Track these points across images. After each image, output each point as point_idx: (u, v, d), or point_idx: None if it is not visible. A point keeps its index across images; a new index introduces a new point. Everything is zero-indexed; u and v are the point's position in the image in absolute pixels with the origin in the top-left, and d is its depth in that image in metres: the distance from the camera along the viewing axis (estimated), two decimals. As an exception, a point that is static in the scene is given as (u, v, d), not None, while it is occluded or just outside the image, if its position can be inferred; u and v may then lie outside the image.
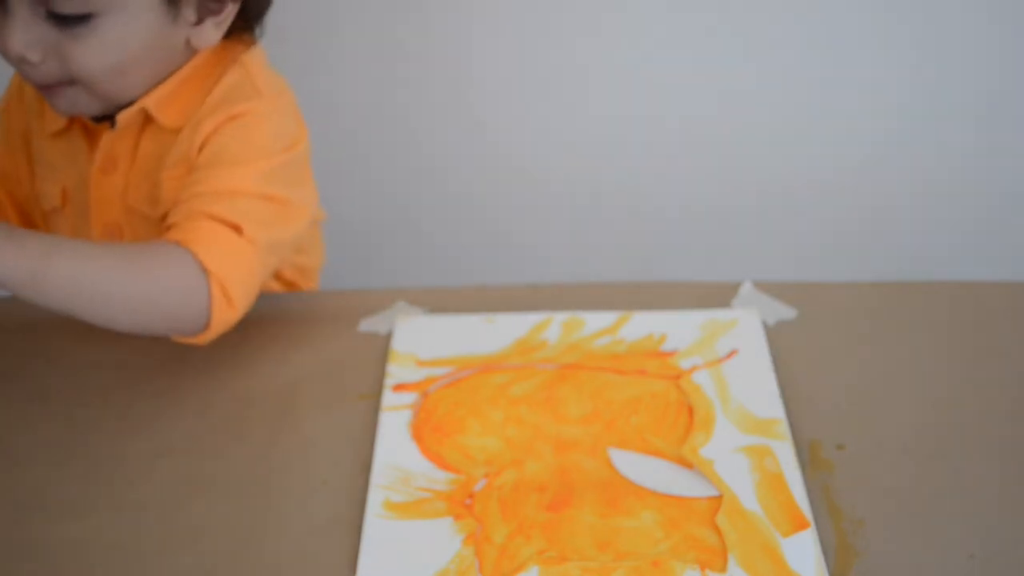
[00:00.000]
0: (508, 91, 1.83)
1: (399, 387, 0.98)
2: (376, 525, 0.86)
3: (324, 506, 0.88)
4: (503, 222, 1.91)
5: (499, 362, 1.01)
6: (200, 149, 1.05)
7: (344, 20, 1.77)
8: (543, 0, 1.78)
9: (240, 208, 1.01)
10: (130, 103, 1.06)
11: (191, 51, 1.07)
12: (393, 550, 0.84)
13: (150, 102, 1.06)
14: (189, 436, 0.95)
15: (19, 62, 1.01)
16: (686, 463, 0.91)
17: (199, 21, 1.05)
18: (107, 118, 1.08)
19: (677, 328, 1.04)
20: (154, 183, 1.08)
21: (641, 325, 1.04)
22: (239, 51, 1.09)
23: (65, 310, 0.95)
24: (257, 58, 1.10)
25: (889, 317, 1.06)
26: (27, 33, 0.99)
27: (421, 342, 1.03)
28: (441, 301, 1.08)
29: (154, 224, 1.09)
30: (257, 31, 1.11)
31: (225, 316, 0.99)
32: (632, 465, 0.91)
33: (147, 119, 1.07)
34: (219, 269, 0.98)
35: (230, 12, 1.06)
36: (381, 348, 1.03)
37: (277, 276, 1.19)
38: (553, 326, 1.04)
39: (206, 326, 0.99)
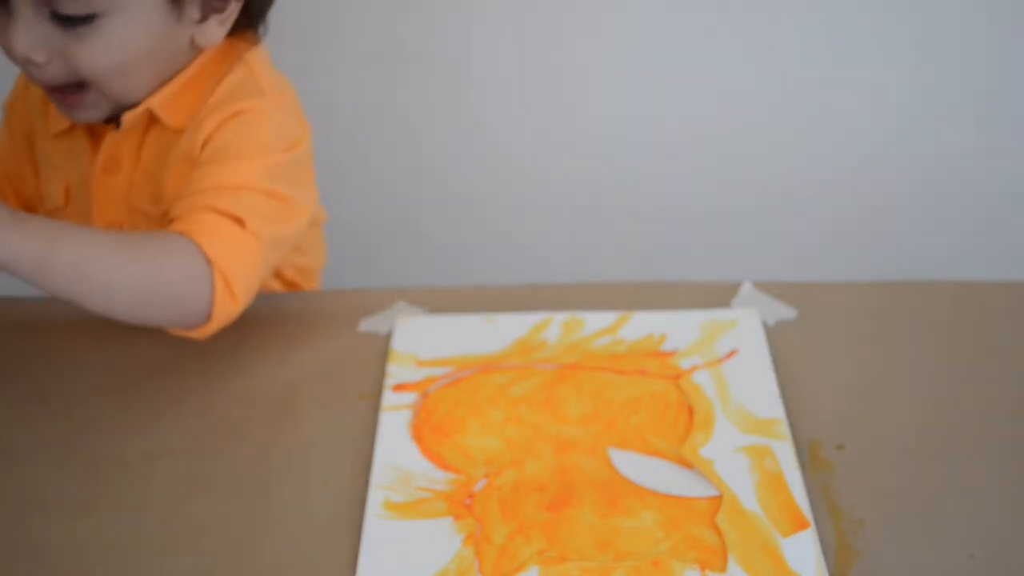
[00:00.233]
0: (508, 91, 1.83)
1: (399, 387, 0.98)
2: (376, 525, 0.86)
3: (324, 506, 0.88)
4: (503, 222, 1.91)
5: (499, 362, 1.01)
6: (203, 146, 1.05)
7: (344, 20, 1.77)
8: (543, 0, 1.78)
9: (243, 202, 1.01)
10: (135, 104, 1.06)
11: (196, 50, 1.07)
12: (393, 550, 0.84)
13: (155, 103, 1.06)
14: (189, 436, 0.95)
15: (25, 63, 1.01)
16: (686, 463, 0.91)
17: (203, 19, 1.05)
18: (111, 119, 1.08)
19: (677, 328, 1.04)
20: (157, 182, 1.08)
21: (641, 325, 1.04)
22: (243, 50, 1.09)
23: (69, 296, 0.94)
24: (261, 57, 1.10)
25: (889, 317, 1.06)
26: (31, 34, 0.99)
27: (421, 342, 1.03)
28: (441, 301, 1.08)
29: (157, 222, 1.09)
30: (260, 30, 1.11)
31: (227, 308, 0.99)
32: (632, 465, 0.91)
33: (152, 120, 1.08)
34: (222, 260, 0.98)
35: (233, 10, 1.06)
36: (381, 348, 1.03)
37: (278, 276, 1.19)
38: (553, 326, 1.04)
39: (208, 318, 0.99)
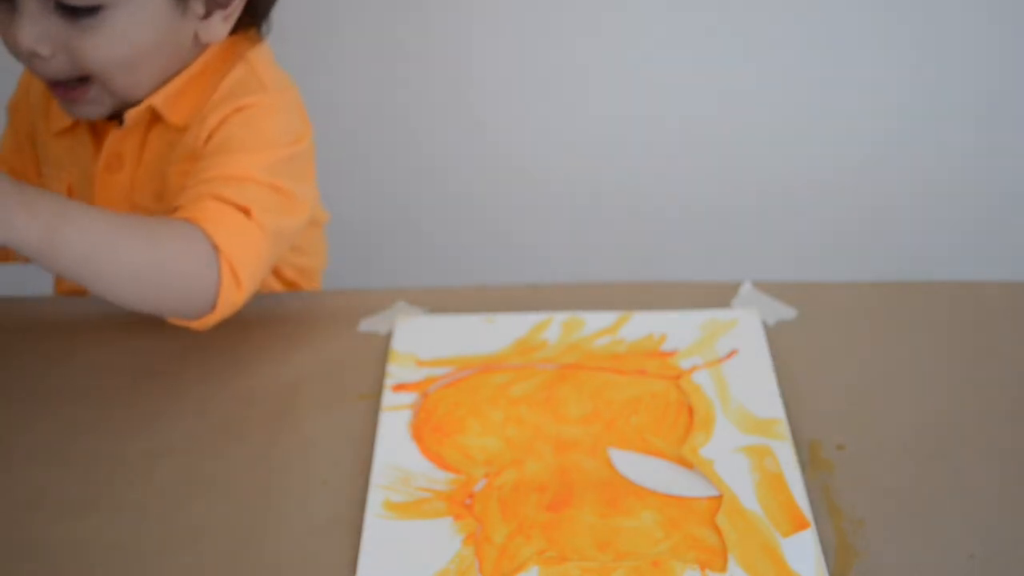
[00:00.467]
0: (508, 91, 1.83)
1: (399, 387, 0.98)
2: (376, 525, 0.86)
3: (324, 506, 0.88)
4: (503, 222, 1.91)
5: (499, 362, 1.01)
6: (206, 141, 1.05)
7: (344, 20, 1.77)
8: (543, 0, 1.78)
9: (248, 193, 1.02)
10: (139, 101, 1.06)
11: (199, 46, 1.07)
12: (393, 550, 0.84)
13: (158, 100, 1.06)
14: (189, 436, 0.95)
15: (29, 57, 1.01)
16: (686, 463, 0.91)
17: (207, 15, 1.06)
18: (114, 116, 1.09)
19: (677, 328, 1.04)
20: (160, 180, 1.08)
21: (641, 325, 1.04)
22: (245, 48, 1.09)
23: (73, 277, 0.95)
24: (263, 55, 1.11)
25: (889, 317, 1.06)
26: (36, 26, 0.99)
27: (421, 342, 1.03)
28: (441, 301, 1.08)
29: None
30: (263, 28, 1.12)
31: (232, 297, 0.99)
32: (632, 465, 0.91)
33: (155, 117, 1.08)
34: (229, 247, 0.98)
35: (237, 5, 1.06)
36: (381, 348, 1.03)
37: (278, 276, 1.19)
38: (553, 326, 1.04)
39: (212, 307, 0.99)
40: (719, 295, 1.08)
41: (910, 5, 1.78)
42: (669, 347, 1.02)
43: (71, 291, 1.14)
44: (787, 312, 1.06)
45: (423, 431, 0.94)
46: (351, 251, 1.45)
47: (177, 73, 1.07)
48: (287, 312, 1.07)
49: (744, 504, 0.86)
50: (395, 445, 0.93)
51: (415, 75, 1.82)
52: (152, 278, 0.97)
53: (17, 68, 1.14)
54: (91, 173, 1.11)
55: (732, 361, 1.00)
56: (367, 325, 1.06)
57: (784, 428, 0.93)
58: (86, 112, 1.06)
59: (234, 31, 1.08)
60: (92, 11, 0.99)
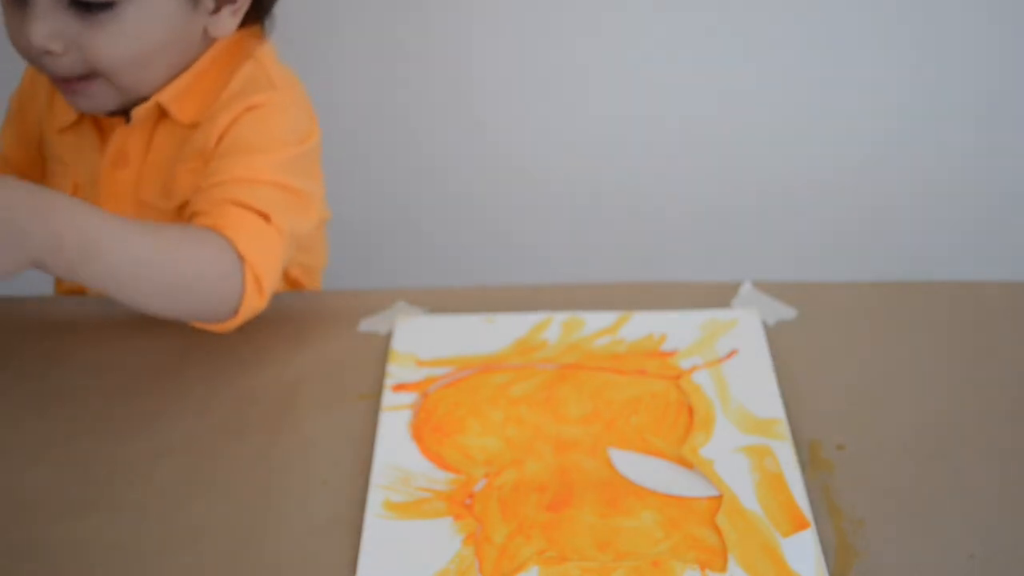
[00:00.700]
0: (508, 91, 1.83)
1: (399, 387, 0.98)
2: (376, 525, 0.86)
3: (324, 506, 0.88)
4: (503, 222, 1.91)
5: (499, 362, 1.01)
6: (218, 141, 1.06)
7: (344, 20, 1.77)
8: (543, 0, 1.78)
9: (264, 196, 1.02)
10: (146, 98, 1.07)
11: (207, 42, 1.08)
12: (393, 550, 0.84)
13: (165, 97, 1.07)
14: (189, 436, 0.95)
15: (41, 55, 1.01)
16: (686, 463, 0.91)
17: (216, 9, 1.06)
18: (120, 112, 1.09)
19: (677, 328, 1.04)
20: (168, 177, 1.08)
21: (641, 325, 1.04)
22: (252, 46, 1.10)
23: (97, 288, 0.95)
24: (269, 53, 1.11)
25: (889, 317, 1.06)
26: (48, 23, 1.00)
27: (421, 342, 1.03)
28: (441, 301, 1.08)
29: (167, 217, 1.09)
30: (267, 24, 1.12)
31: (255, 303, 1.00)
32: (632, 465, 0.91)
33: (161, 114, 1.08)
34: (253, 257, 0.99)
35: (245, 0, 1.06)
36: (381, 348, 1.03)
37: (284, 274, 1.19)
38: (553, 326, 1.04)
39: (235, 312, 1.00)
40: (719, 295, 1.08)
41: (910, 5, 1.78)
42: (669, 347, 1.02)
43: (71, 291, 1.14)
44: (787, 312, 1.06)
45: (423, 431, 0.94)
46: (351, 251, 1.45)
47: (185, 69, 1.07)
48: (287, 312, 1.07)
49: (744, 504, 0.86)
50: (395, 445, 0.93)
51: (415, 75, 1.82)
52: (179, 289, 0.98)
53: (18, 65, 1.14)
54: (97, 170, 1.11)
55: (732, 361, 1.00)
56: (367, 325, 1.06)
57: (784, 428, 0.93)
58: (92, 106, 1.07)
59: (239, 27, 1.09)
60: (105, 7, 1.00)
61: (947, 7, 1.78)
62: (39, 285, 1.19)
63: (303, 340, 1.04)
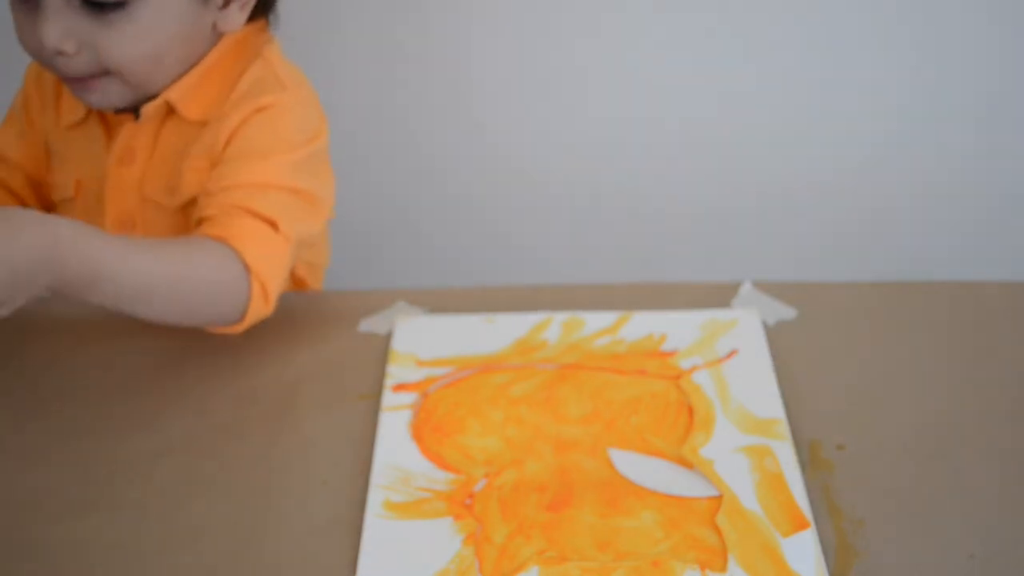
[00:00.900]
0: (508, 92, 1.83)
1: (399, 387, 0.98)
2: (376, 525, 0.86)
3: (324, 506, 0.88)
4: (503, 222, 1.91)
5: (499, 362, 1.01)
6: (227, 143, 1.06)
7: (344, 20, 1.77)
8: (543, 0, 1.78)
9: (273, 202, 1.03)
10: (155, 95, 1.07)
11: (216, 37, 1.09)
12: (393, 550, 0.84)
13: (174, 94, 1.07)
14: (189, 436, 0.95)
15: (53, 55, 1.02)
16: (686, 463, 0.91)
17: (225, 4, 1.07)
18: (127, 109, 1.09)
19: (677, 328, 1.04)
20: (173, 174, 1.09)
21: (641, 325, 1.04)
22: (259, 44, 1.11)
23: (104, 305, 0.95)
24: (276, 51, 1.12)
25: (889, 317, 1.06)
26: (60, 23, 1.00)
27: (421, 342, 1.03)
28: (441, 301, 1.08)
29: (169, 214, 1.10)
30: (272, 20, 1.13)
31: (260, 311, 1.01)
32: (632, 465, 0.91)
33: (169, 111, 1.09)
34: (261, 268, 0.99)
35: None
36: (381, 348, 1.03)
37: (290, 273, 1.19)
38: (553, 326, 1.04)
39: (240, 319, 1.00)
40: (719, 295, 1.08)
41: (910, 5, 1.78)
42: (669, 347, 1.02)
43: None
44: (787, 312, 1.06)
45: (423, 431, 0.94)
46: (351, 251, 1.45)
47: (193, 66, 1.08)
48: (287, 312, 1.07)
49: (744, 504, 0.86)
50: (395, 445, 0.93)
51: (415, 75, 1.82)
52: (186, 304, 0.98)
53: (18, 65, 1.14)
54: (102, 166, 1.11)
55: (732, 361, 1.00)
56: (367, 325, 1.06)
57: (784, 428, 0.93)
58: (103, 103, 1.07)
59: (246, 21, 1.09)
60: (117, 6, 1.01)
61: (947, 7, 1.78)
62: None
63: (303, 340, 1.04)
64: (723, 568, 0.82)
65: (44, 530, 0.87)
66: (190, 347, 1.02)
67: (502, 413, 0.96)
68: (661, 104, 1.84)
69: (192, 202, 1.07)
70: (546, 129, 1.86)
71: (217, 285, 0.98)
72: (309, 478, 0.91)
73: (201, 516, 0.88)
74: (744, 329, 1.03)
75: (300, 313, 1.07)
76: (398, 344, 1.03)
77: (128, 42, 1.02)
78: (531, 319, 1.05)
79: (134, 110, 1.09)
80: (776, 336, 1.03)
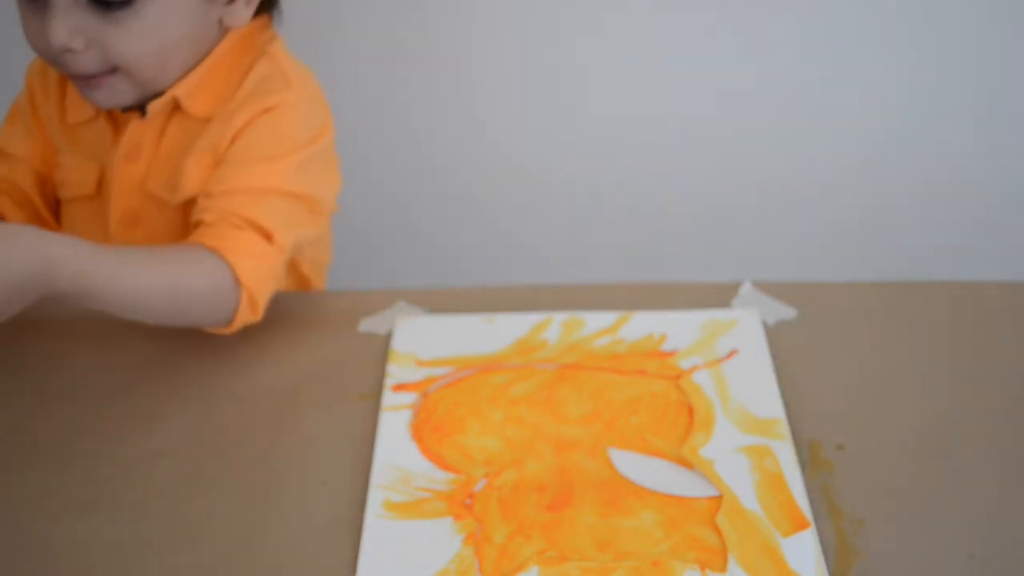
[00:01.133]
0: (508, 91, 1.83)
1: (399, 387, 0.98)
2: (376, 525, 0.86)
3: (324, 506, 0.88)
4: (503, 222, 1.91)
5: (499, 362, 1.01)
6: (231, 142, 1.07)
7: (345, 19, 1.77)
8: (543, 0, 1.78)
9: (272, 210, 1.04)
10: (161, 91, 1.07)
11: (221, 33, 1.09)
12: (393, 550, 0.84)
13: (181, 91, 1.08)
14: (189, 436, 0.95)
15: (62, 53, 1.02)
16: (686, 463, 0.91)
17: (231, 0, 1.07)
18: (134, 106, 1.09)
19: (677, 328, 1.04)
20: (175, 169, 1.09)
21: (641, 325, 1.04)
22: (264, 41, 1.11)
23: (100, 311, 0.97)
24: (281, 47, 1.12)
25: (889, 317, 1.06)
26: (68, 21, 1.01)
27: (421, 342, 1.03)
28: (441, 301, 1.08)
29: (171, 211, 1.10)
30: (276, 17, 1.13)
31: (247, 318, 1.03)
32: (632, 465, 0.91)
33: (175, 107, 1.09)
34: (250, 281, 1.01)
35: None
36: (381, 348, 1.03)
37: (292, 270, 1.19)
38: (553, 326, 1.04)
39: (228, 324, 1.02)
40: (719, 295, 1.08)
41: (910, 5, 1.78)
42: (669, 347, 1.02)
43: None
44: (787, 312, 1.06)
45: (423, 431, 0.94)
46: (351, 251, 1.45)
47: (199, 62, 1.08)
48: (287, 312, 1.07)
49: (744, 504, 0.86)
50: (395, 445, 0.93)
51: (415, 75, 1.82)
52: (173, 312, 1.00)
53: (18, 65, 1.14)
54: (109, 162, 1.11)
55: (732, 361, 1.00)
56: (367, 325, 1.06)
57: (784, 428, 0.93)
58: (110, 101, 1.07)
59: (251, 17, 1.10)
60: (124, 4, 1.01)
61: (947, 7, 1.78)
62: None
63: (303, 340, 1.04)
64: (723, 568, 0.82)
65: (44, 530, 0.87)
66: (190, 347, 1.02)
67: (502, 413, 0.96)
68: (661, 103, 1.84)
69: (193, 200, 1.08)
70: (546, 128, 1.86)
71: (207, 297, 1.00)
72: (309, 478, 0.91)
73: (201, 516, 0.88)
74: (744, 329, 1.03)
75: (300, 313, 1.08)
76: (398, 344, 1.03)
77: (135, 39, 1.02)
78: (531, 319, 1.05)
79: (140, 107, 1.09)
80: (776, 336, 1.03)
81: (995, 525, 0.85)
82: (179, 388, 1.00)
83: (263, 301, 1.03)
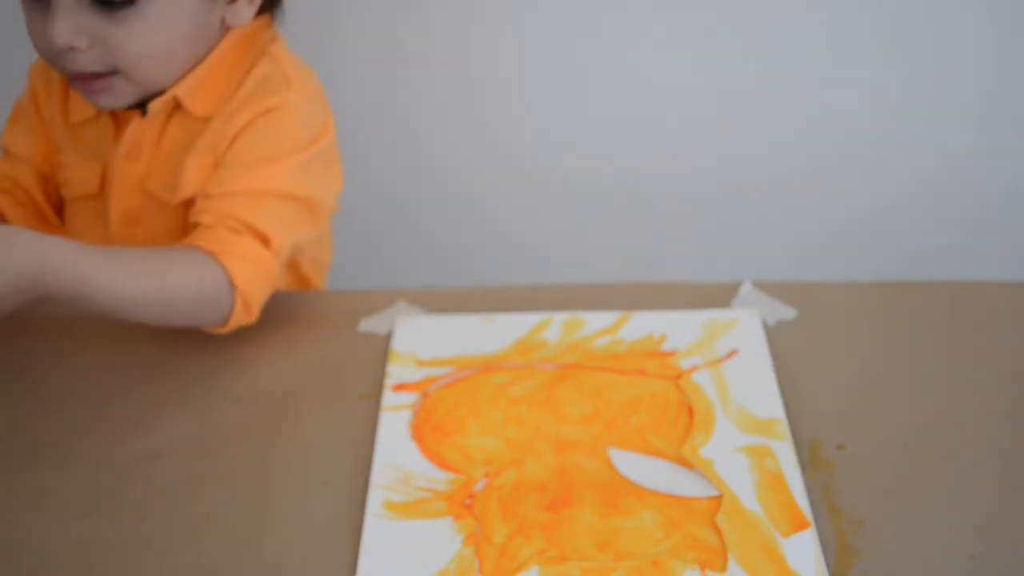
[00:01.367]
0: (508, 91, 1.83)
1: (399, 387, 0.98)
2: (376, 525, 0.86)
3: (324, 506, 0.88)
4: (503, 222, 1.91)
5: (499, 362, 1.01)
6: (231, 143, 1.07)
7: (345, 19, 1.77)
8: (543, 0, 1.78)
9: (271, 213, 1.04)
10: (162, 91, 1.07)
11: (223, 32, 1.09)
12: (393, 550, 0.84)
13: (182, 90, 1.08)
14: (189, 436, 0.95)
15: (64, 52, 1.02)
16: (686, 463, 0.91)
17: None
18: (135, 105, 1.09)
19: (677, 328, 1.04)
20: (175, 169, 1.09)
21: (641, 325, 1.04)
22: (266, 41, 1.11)
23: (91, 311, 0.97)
24: (282, 47, 1.12)
25: (889, 317, 1.06)
26: (71, 21, 1.01)
27: (421, 342, 1.03)
28: (441, 301, 1.08)
29: (170, 210, 1.10)
30: (277, 16, 1.13)
31: (242, 321, 1.03)
32: (632, 465, 0.91)
33: (176, 106, 1.09)
34: (246, 286, 1.01)
35: None
36: (381, 348, 1.03)
37: (293, 270, 1.19)
38: (553, 326, 1.04)
39: (223, 326, 1.02)
40: (719, 295, 1.08)
41: (910, 5, 1.78)
42: (669, 347, 1.02)
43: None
44: (787, 312, 1.06)
45: (423, 431, 0.94)
46: (351, 251, 1.45)
47: (200, 61, 1.08)
48: (287, 312, 1.07)
49: (744, 504, 0.86)
50: (395, 445, 0.93)
51: (415, 75, 1.82)
52: (167, 314, 1.01)
53: (19, 66, 1.14)
54: (110, 161, 1.11)
55: (732, 361, 1.00)
56: (367, 325, 1.06)
57: (784, 428, 0.93)
58: (111, 103, 1.07)
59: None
60: (127, 3, 1.01)
61: (947, 7, 1.78)
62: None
63: (303, 340, 1.04)
64: (723, 568, 0.82)
65: (44, 530, 0.87)
66: (190, 347, 1.02)
67: (502, 413, 0.96)
68: (661, 103, 1.84)
69: (193, 200, 1.08)
70: (547, 128, 1.86)
71: (201, 300, 1.01)
72: (309, 478, 0.91)
73: (201, 516, 0.88)
74: (744, 329, 1.03)
75: (300, 313, 1.08)
76: (398, 344, 1.03)
77: (137, 38, 1.02)
78: (531, 319, 1.05)
79: (141, 106, 1.09)
80: (776, 336, 1.03)
81: (995, 525, 0.85)
82: (179, 388, 1.00)
83: (258, 305, 1.03)
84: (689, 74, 1.81)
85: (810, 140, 1.85)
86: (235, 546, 0.85)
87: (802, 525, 0.85)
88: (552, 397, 0.97)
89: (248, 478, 0.91)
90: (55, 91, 1.14)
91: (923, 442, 0.92)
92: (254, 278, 1.02)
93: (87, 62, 1.03)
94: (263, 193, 1.05)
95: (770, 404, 0.95)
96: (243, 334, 1.03)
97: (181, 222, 1.10)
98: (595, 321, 1.05)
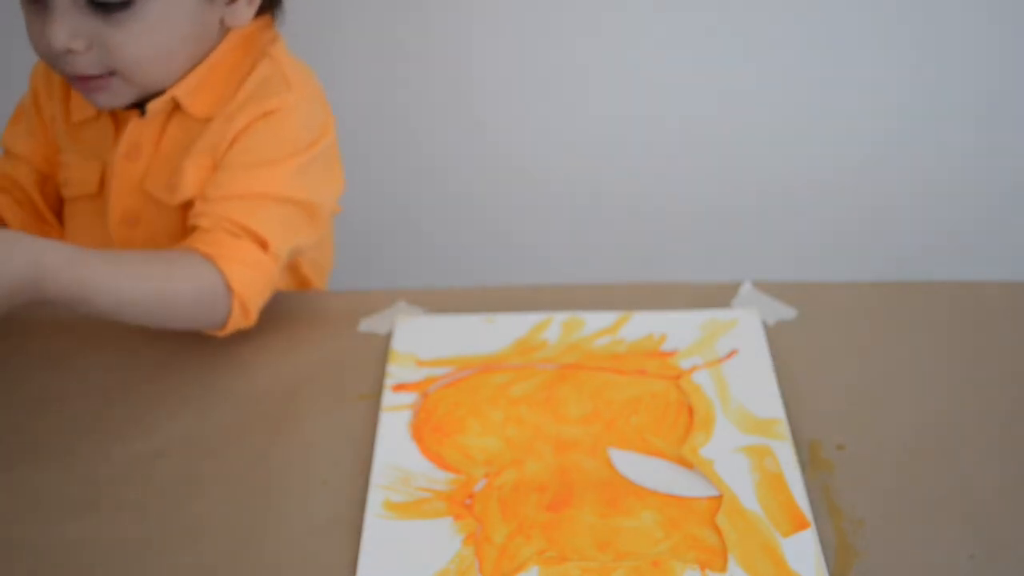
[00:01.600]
0: (508, 91, 1.83)
1: (399, 387, 0.98)
2: (376, 525, 0.86)
3: (324, 506, 0.88)
4: (503, 222, 1.91)
5: (499, 362, 1.01)
6: (231, 145, 1.07)
7: (345, 19, 1.77)
8: (543, 0, 1.78)
9: (269, 217, 1.04)
10: (160, 92, 1.07)
11: (222, 33, 1.09)
12: (393, 550, 0.84)
13: (181, 91, 1.08)
14: (189, 436, 0.95)
15: (63, 54, 1.02)
16: (686, 463, 0.91)
17: (233, 0, 1.07)
18: (135, 105, 1.09)
19: (677, 328, 1.04)
20: (174, 170, 1.09)
21: (641, 325, 1.04)
22: (266, 42, 1.11)
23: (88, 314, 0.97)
24: (282, 48, 1.12)
25: (889, 317, 1.06)
26: (69, 23, 1.01)
27: (421, 342, 1.03)
28: (441, 301, 1.08)
29: (170, 212, 1.10)
30: (277, 17, 1.13)
31: (239, 324, 1.03)
32: (632, 465, 0.91)
33: (175, 107, 1.09)
34: (243, 289, 1.01)
35: None
36: (381, 348, 1.03)
37: (293, 272, 1.19)
38: (553, 326, 1.04)
39: (220, 329, 1.02)
40: (719, 295, 1.08)
41: (910, 5, 1.78)
42: (669, 347, 1.02)
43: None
44: (787, 312, 1.06)
45: (423, 431, 0.94)
46: (351, 251, 1.45)
47: (200, 62, 1.08)
48: (287, 312, 1.07)
49: (744, 504, 0.86)
50: (395, 445, 0.93)
51: (415, 75, 1.82)
52: (164, 318, 1.01)
53: (20, 66, 1.14)
54: (110, 161, 1.12)
55: (732, 361, 1.00)
56: (367, 325, 1.06)
57: (784, 428, 0.93)
58: (110, 102, 1.07)
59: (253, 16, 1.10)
60: (124, 6, 1.01)
61: (947, 7, 1.78)
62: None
63: (303, 340, 1.04)
64: (723, 568, 0.82)
65: (44, 530, 0.87)
66: (190, 347, 1.02)
67: (502, 413, 0.96)
68: (661, 103, 1.84)
69: (192, 202, 1.08)
70: (546, 128, 1.86)
71: (198, 304, 1.01)
72: (309, 478, 0.91)
73: (201, 516, 0.88)
74: (744, 329, 1.03)
75: (300, 313, 1.08)
76: (398, 344, 1.03)
77: (136, 40, 1.02)
78: (531, 319, 1.05)
79: (140, 106, 1.09)
80: (776, 336, 1.03)
81: (995, 525, 0.85)
82: (179, 388, 1.00)
83: (256, 308, 1.03)
84: (689, 74, 1.81)
85: (810, 140, 1.86)
86: (235, 546, 0.85)
87: (802, 525, 0.85)
88: (552, 397, 0.97)
89: (248, 478, 0.91)
90: (57, 91, 1.15)
91: (923, 442, 0.92)
92: (252, 282, 1.02)
93: (86, 64, 1.03)
94: (262, 196, 1.05)
95: (770, 404, 0.95)
96: (243, 334, 1.03)
97: (181, 223, 1.10)
98: (595, 321, 1.05)
